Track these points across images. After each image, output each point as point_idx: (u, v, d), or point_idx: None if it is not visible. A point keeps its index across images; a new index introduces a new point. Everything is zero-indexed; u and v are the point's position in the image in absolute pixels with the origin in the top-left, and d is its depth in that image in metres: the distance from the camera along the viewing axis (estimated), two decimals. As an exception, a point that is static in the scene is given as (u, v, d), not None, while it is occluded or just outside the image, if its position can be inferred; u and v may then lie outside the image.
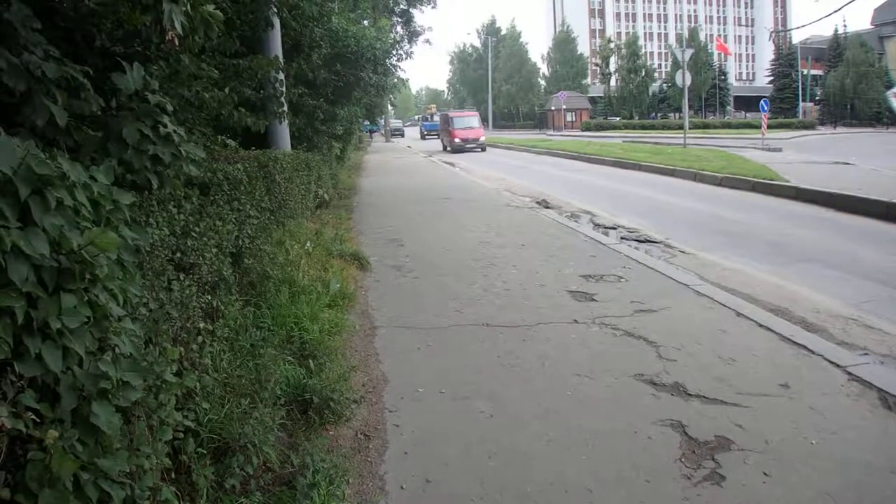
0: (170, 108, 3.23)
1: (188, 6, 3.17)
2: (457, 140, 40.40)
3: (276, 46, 9.27)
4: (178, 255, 3.72)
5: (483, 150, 40.14)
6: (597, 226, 12.21)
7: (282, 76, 7.86)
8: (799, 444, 3.80)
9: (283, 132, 10.01)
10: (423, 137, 67.59)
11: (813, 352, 5.15)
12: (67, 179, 1.90)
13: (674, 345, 5.36)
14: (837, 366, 4.88)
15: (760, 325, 5.80)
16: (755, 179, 16.25)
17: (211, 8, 3.45)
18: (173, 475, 2.76)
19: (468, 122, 42.75)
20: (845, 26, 73.50)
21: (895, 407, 4.23)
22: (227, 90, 5.36)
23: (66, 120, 2.68)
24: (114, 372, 1.95)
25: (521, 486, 3.47)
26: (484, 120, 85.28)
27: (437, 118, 72.59)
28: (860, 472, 3.51)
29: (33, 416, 1.70)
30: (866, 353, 5.41)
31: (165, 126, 3.10)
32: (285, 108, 7.92)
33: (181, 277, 3.62)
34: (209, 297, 4.21)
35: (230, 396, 3.72)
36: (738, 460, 3.64)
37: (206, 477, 2.94)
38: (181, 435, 2.78)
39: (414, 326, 6.05)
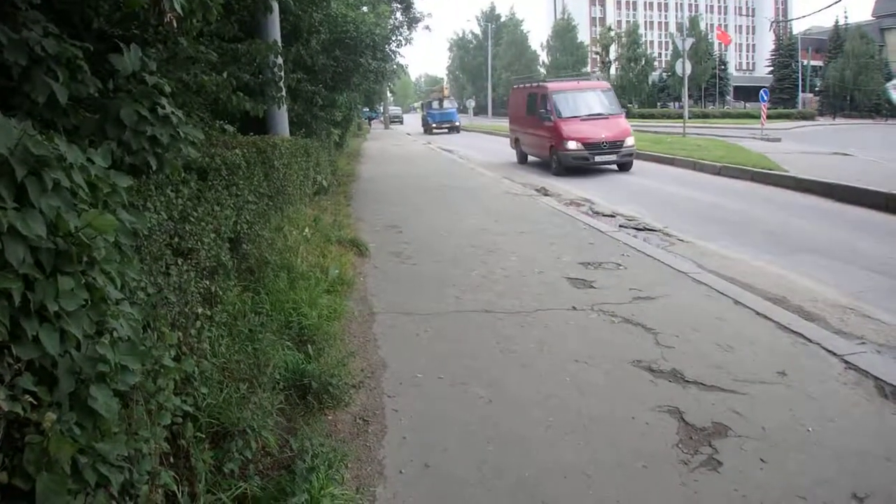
0: (167, 89, 3.20)
1: (186, -13, 3.14)
2: (571, 146, 18.13)
3: (275, 31, 9.21)
4: (177, 239, 3.71)
5: (626, 166, 18.68)
6: (595, 213, 12.19)
7: (280, 61, 7.80)
8: (796, 431, 3.81)
9: (282, 118, 9.97)
10: (428, 131, 47.22)
11: (810, 340, 5.16)
12: (65, 161, 1.88)
13: (672, 332, 5.37)
14: (834, 354, 4.89)
15: (758, 314, 5.81)
16: (754, 169, 16.20)
17: (210, -10, 3.43)
18: (172, 459, 2.76)
19: (588, 102, 20.03)
20: (846, 17, 73.25)
21: (891, 395, 4.24)
22: (225, 74, 5.32)
23: (67, 97, 2.65)
24: (112, 355, 1.94)
25: (519, 470, 3.48)
26: (483, 108, 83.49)
27: (448, 104, 49.91)
28: (856, 459, 3.52)
29: (31, 399, 1.68)
30: (863, 343, 5.41)
31: (164, 107, 3.08)
32: (284, 93, 7.88)
33: (179, 262, 3.61)
34: (207, 283, 4.20)
35: (229, 381, 3.73)
36: (735, 447, 3.65)
37: (204, 461, 2.94)
38: (180, 419, 2.77)
39: (413, 312, 6.05)
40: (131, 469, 2.10)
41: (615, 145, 18.23)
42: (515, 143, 23.36)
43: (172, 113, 3.13)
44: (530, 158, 22.20)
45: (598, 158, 18.15)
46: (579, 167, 18.31)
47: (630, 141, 18.53)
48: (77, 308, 1.81)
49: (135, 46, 3.07)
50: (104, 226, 1.90)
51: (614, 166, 18.68)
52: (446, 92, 54.77)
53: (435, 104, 50.01)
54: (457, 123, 47.46)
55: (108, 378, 1.95)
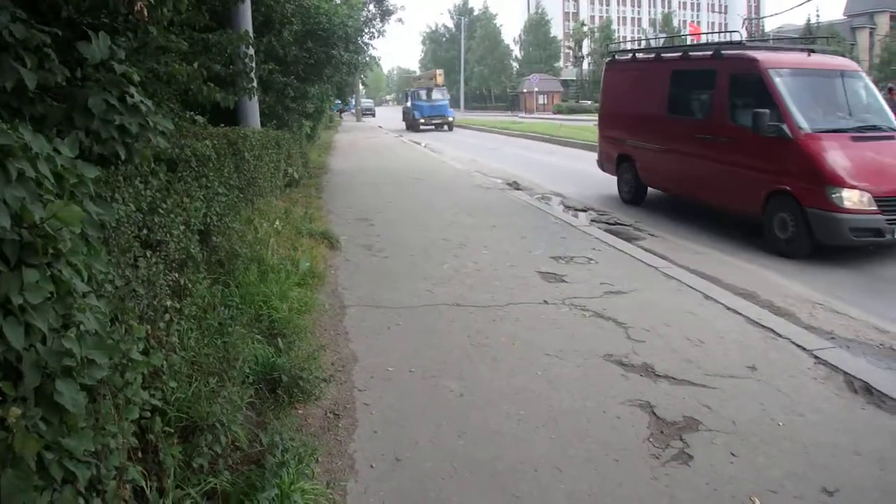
0: (136, 78, 3.14)
1: (157, -25, 3.08)
2: (851, 200, 7.70)
3: (247, 21, 9.11)
4: (145, 231, 3.65)
5: None
6: (567, 208, 12.25)
7: (252, 52, 7.70)
8: (766, 425, 3.86)
9: (253, 109, 9.87)
10: (413, 128, 38.70)
11: (780, 335, 5.23)
12: (30, 150, 1.84)
13: (643, 326, 5.41)
14: (804, 349, 4.96)
15: (728, 308, 5.87)
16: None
17: (180, -21, 3.37)
18: (140, 454, 2.71)
19: (846, 100, 9.19)
20: (818, 16, 74.62)
21: (861, 390, 4.31)
22: (196, 64, 5.23)
23: (35, 84, 2.58)
24: (78, 349, 1.90)
25: (490, 464, 3.48)
26: (455, 102, 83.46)
27: (439, 95, 40.32)
28: (826, 453, 3.58)
29: (-6, 395, 1.65)
30: (833, 338, 5.50)
31: (132, 96, 3.02)
32: (255, 84, 7.78)
33: (148, 254, 3.55)
34: (177, 275, 4.13)
35: (198, 375, 3.67)
36: (706, 441, 3.69)
37: (173, 456, 2.90)
38: (148, 414, 2.72)
39: (384, 306, 6.03)
40: (99, 464, 2.06)
41: None
42: (619, 163, 12.70)
43: (142, 102, 3.08)
44: (651, 191, 12.29)
45: None
46: (856, 245, 8.10)
47: None
48: (42, 301, 1.77)
49: (103, 34, 3.00)
50: (70, 217, 1.85)
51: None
52: (440, 79, 42.42)
53: (423, 94, 40.06)
54: (450, 118, 38.91)
55: (75, 372, 1.91)
